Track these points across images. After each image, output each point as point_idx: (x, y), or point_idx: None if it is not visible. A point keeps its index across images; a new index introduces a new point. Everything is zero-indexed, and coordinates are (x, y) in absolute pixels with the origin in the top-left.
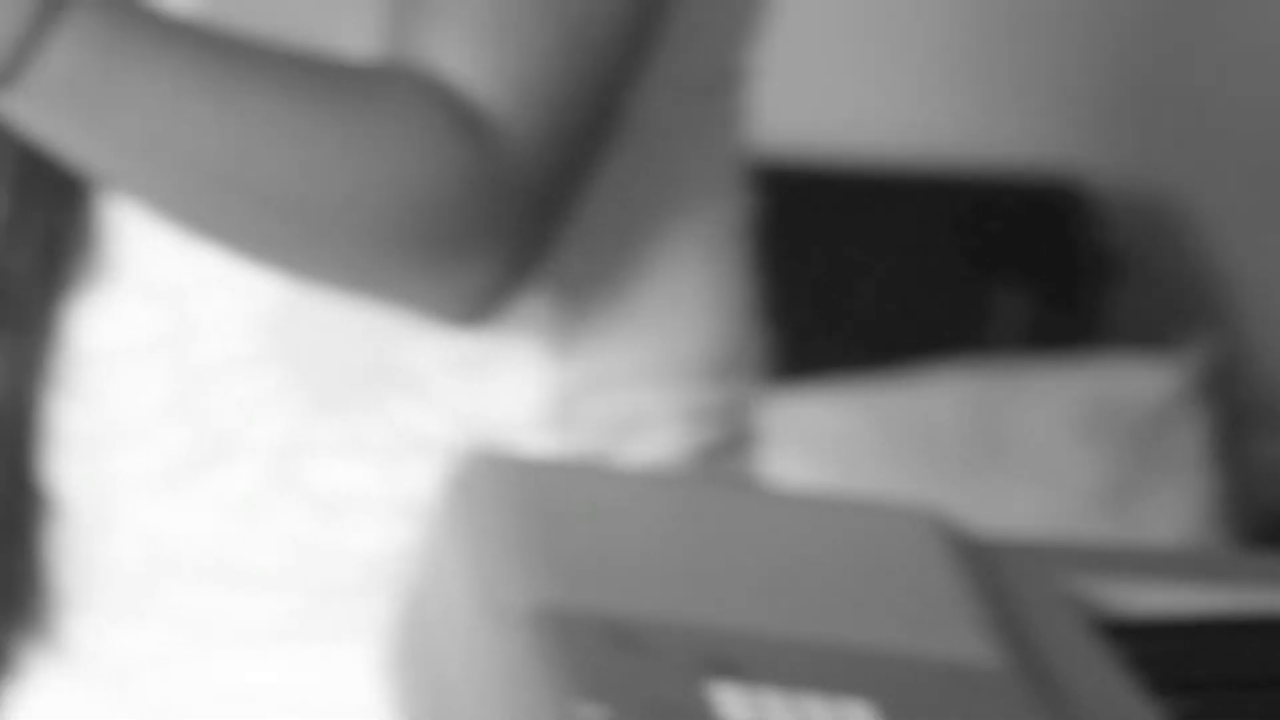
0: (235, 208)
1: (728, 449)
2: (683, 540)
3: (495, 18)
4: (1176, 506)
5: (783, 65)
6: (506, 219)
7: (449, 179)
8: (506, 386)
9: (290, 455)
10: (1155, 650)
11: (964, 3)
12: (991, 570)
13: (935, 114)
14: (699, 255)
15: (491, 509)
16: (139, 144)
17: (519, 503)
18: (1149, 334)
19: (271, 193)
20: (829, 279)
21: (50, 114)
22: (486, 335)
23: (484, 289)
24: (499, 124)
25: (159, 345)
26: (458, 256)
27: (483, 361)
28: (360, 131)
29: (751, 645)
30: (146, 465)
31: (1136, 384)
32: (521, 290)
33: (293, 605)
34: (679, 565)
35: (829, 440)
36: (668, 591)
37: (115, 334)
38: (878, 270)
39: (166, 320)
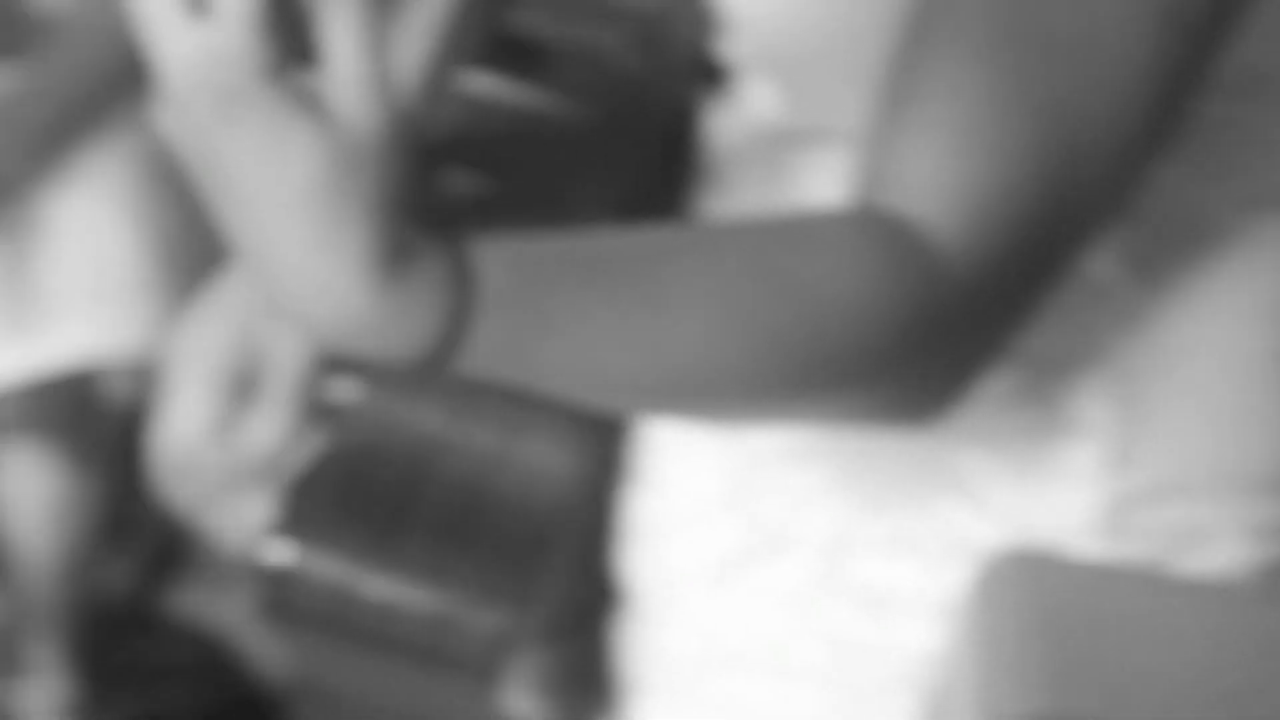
0: (687, 398)
1: None
2: (1215, 655)
3: (972, 123)
4: None
5: None
6: (948, 339)
7: (886, 313)
8: (1061, 493)
9: (838, 551)
10: None
11: None
12: None
13: None
14: (1274, 363)
15: (1014, 612)
16: (582, 380)
17: (1043, 606)
18: None
19: (718, 377)
20: None
21: (482, 374)
22: (1044, 441)
23: (929, 398)
24: (945, 248)
25: (716, 433)
26: (902, 374)
27: (1038, 467)
28: (793, 288)
29: None
30: (703, 555)
31: None
32: (968, 392)
33: (833, 700)
34: (1202, 681)
35: None
36: (1178, 707)
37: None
38: None
39: None
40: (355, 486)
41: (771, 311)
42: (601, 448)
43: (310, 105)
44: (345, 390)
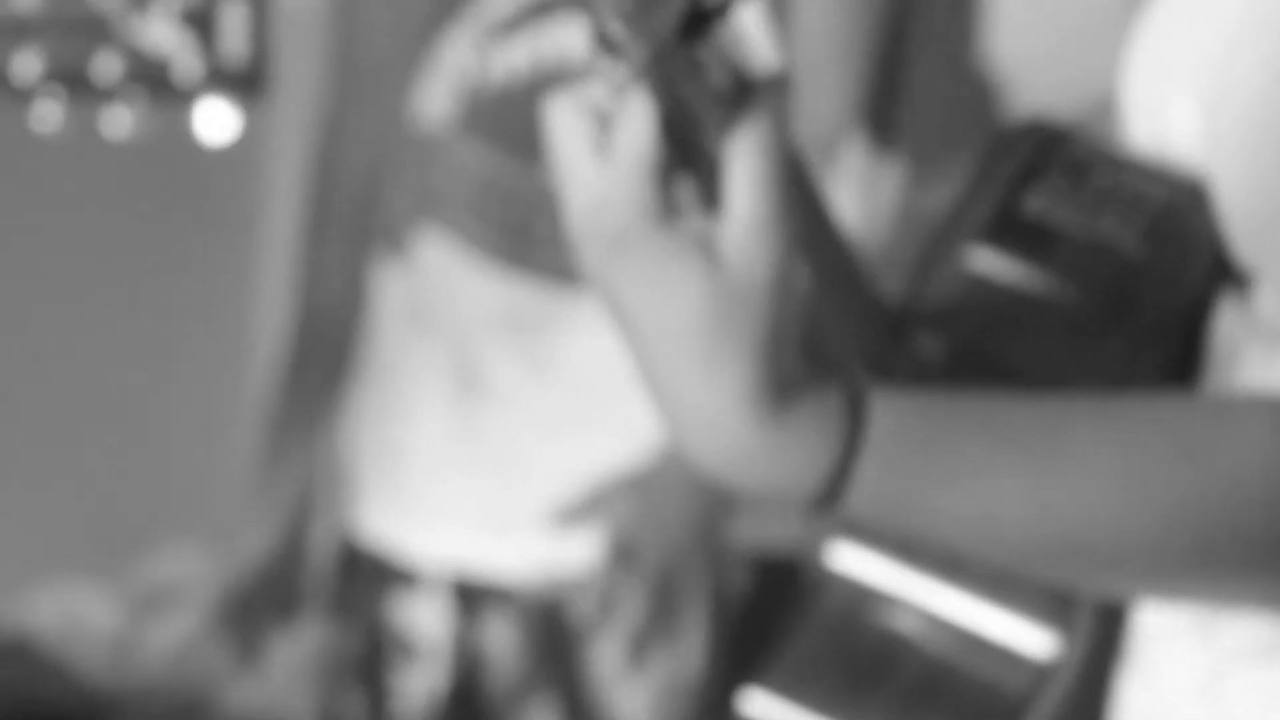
0: (1079, 561)
1: None
2: None
3: None
4: None
5: None
6: None
7: None
8: None
9: None
10: None
11: None
12: None
13: None
14: None
15: None
16: (968, 533)
17: None
18: None
19: (1115, 544)
20: None
21: (867, 519)
22: None
23: None
24: None
25: (1194, 624)
26: None
27: None
28: (1207, 463)
29: None
30: None
31: None
32: None
33: None
34: None
35: None
36: None
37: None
38: None
39: None
40: (835, 648)
41: (1183, 484)
42: (1092, 631)
43: (698, 247)
44: (836, 554)
